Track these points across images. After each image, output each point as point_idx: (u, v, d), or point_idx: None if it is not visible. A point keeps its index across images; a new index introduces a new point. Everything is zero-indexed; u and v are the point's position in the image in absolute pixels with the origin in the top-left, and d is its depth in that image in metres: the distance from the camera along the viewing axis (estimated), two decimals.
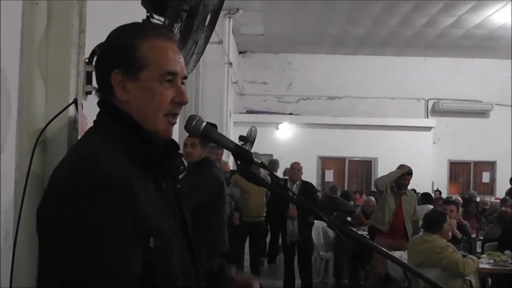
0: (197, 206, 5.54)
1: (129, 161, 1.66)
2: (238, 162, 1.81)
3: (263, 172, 8.01)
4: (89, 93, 3.14)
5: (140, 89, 1.73)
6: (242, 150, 1.82)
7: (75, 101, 2.69)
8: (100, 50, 1.80)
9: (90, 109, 2.98)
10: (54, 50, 2.82)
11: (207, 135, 1.85)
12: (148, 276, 1.59)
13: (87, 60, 3.08)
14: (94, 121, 1.80)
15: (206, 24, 3.47)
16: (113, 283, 1.51)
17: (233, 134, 16.40)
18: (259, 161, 1.81)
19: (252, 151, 14.10)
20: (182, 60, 1.80)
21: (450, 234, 6.42)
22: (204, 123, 1.84)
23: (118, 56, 1.73)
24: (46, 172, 2.70)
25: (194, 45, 3.49)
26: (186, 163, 6.11)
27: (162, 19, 3.25)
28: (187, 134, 2.06)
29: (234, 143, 1.84)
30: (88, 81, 3.14)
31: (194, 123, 1.84)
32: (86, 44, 3.01)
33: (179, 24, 3.29)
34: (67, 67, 2.87)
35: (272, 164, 13.75)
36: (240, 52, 19.45)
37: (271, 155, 18.15)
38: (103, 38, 3.46)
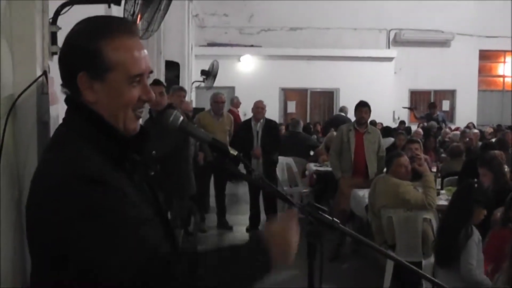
0: (165, 154, 5.63)
1: (106, 159, 1.70)
2: (215, 154, 1.86)
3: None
4: (54, 53, 3.12)
5: (107, 89, 1.74)
6: (218, 143, 1.87)
7: (44, 73, 2.67)
8: (63, 51, 1.79)
9: (57, 69, 2.95)
10: (17, 14, 2.77)
11: (184, 129, 1.90)
12: None
13: (51, 20, 3.05)
14: (64, 119, 1.81)
15: None
16: (133, 258, 1.56)
17: (195, 68, 16.26)
18: (235, 154, 1.86)
19: (215, 84, 13.98)
20: (146, 55, 1.80)
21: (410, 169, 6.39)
22: (181, 118, 1.88)
23: (83, 58, 1.73)
24: (17, 138, 2.69)
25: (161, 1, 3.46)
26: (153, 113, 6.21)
27: None
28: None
29: (211, 136, 1.89)
30: (53, 41, 3.11)
31: (171, 118, 1.90)
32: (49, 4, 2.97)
33: None
34: (31, 30, 2.82)
35: (236, 101, 13.80)
36: None
37: (233, 88, 18.16)
38: None
